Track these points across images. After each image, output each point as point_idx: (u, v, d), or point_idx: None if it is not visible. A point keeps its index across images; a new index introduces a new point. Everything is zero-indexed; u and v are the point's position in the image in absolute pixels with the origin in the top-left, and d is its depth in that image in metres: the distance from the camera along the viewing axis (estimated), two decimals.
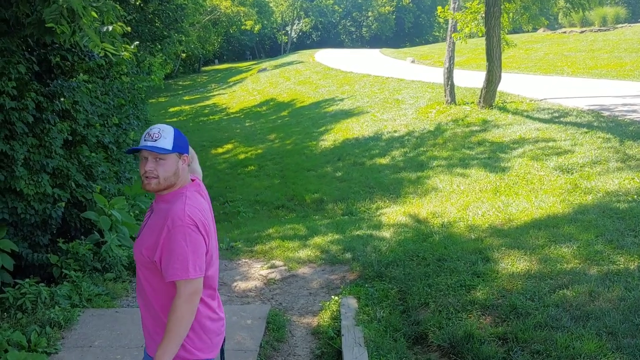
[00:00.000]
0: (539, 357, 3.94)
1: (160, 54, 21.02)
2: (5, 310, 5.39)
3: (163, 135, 2.47)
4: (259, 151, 17.17)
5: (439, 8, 16.52)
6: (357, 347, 4.41)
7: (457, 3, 16.30)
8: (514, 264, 5.57)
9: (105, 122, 8.11)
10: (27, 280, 5.74)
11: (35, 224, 6.40)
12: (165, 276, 2.41)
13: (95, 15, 5.10)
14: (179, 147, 2.52)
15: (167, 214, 2.44)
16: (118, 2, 8.74)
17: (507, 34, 16.90)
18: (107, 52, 5.49)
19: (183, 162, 2.56)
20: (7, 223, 6.05)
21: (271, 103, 26.82)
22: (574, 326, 4.19)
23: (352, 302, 5.51)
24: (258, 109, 26.34)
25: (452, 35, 16.10)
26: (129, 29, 7.57)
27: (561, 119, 12.53)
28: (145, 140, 2.47)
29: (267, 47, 74.65)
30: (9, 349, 4.48)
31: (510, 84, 17.47)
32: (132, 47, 8.20)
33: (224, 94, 34.87)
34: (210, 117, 26.81)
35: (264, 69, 41.66)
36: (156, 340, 2.51)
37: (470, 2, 15.84)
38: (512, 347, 4.11)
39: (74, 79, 6.97)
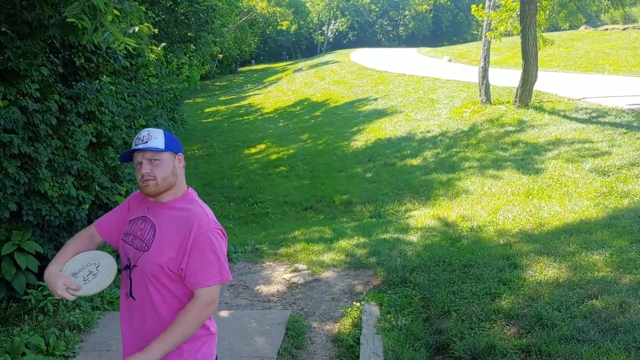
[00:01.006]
0: None
1: (195, 55, 21.15)
2: (27, 312, 5.43)
3: (153, 136, 2.41)
4: (291, 151, 17.13)
5: (473, 7, 16.21)
6: (375, 358, 4.28)
7: (492, 1, 15.98)
8: (542, 271, 5.36)
9: (132, 123, 8.15)
10: None
11: (61, 225, 6.44)
12: (193, 283, 2.35)
13: (117, 13, 5.09)
14: (172, 147, 2.46)
15: (188, 221, 2.38)
16: (147, 4, 8.80)
17: (547, 31, 16.50)
18: (131, 52, 5.49)
19: (179, 161, 2.49)
20: (33, 225, 6.10)
21: (305, 103, 26.81)
22: (601, 340, 3.97)
23: (374, 309, 5.38)
24: (292, 109, 26.36)
25: (487, 33, 15.79)
26: (155, 30, 7.57)
27: (599, 119, 12.14)
28: (135, 145, 2.40)
29: (304, 47, 74.86)
30: (27, 352, 4.48)
31: (548, 82, 17.05)
32: (159, 48, 8.20)
33: (259, 94, 35.04)
34: (245, 117, 26.94)
35: (300, 69, 41.73)
36: None
37: (505, 0, 15.49)
38: None
39: (98, 80, 7.00)
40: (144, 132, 2.44)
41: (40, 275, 6.08)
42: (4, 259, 5.66)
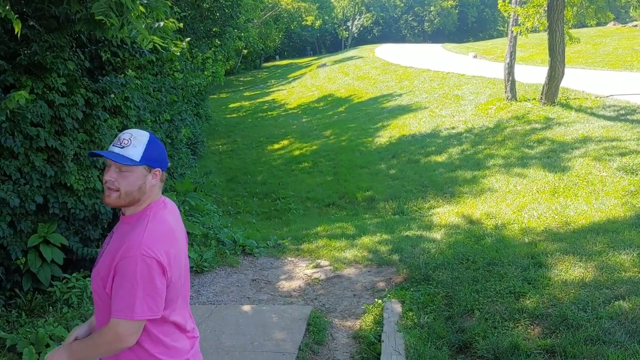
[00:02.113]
0: None
1: (220, 50, 21.23)
2: (51, 304, 5.49)
3: (133, 142, 2.15)
4: (314, 147, 17.13)
5: (500, 2, 16.00)
6: (396, 355, 4.25)
7: None
8: (567, 270, 5.27)
9: (157, 118, 8.19)
10: (74, 274, 5.83)
11: (86, 218, 6.50)
12: (111, 311, 2.07)
13: (144, 10, 5.11)
14: (150, 160, 2.17)
15: (122, 240, 2.11)
16: (173, 0, 8.84)
17: (575, 28, 16.22)
18: (156, 46, 5.51)
19: (153, 177, 2.21)
20: (59, 217, 6.17)
21: (329, 99, 26.77)
22: (628, 341, 3.89)
23: (396, 306, 5.35)
24: (315, 104, 26.33)
25: (513, 28, 15.58)
26: (180, 24, 7.60)
27: (628, 117, 11.93)
28: (113, 146, 2.16)
29: (328, 42, 74.76)
30: (51, 343, 4.54)
31: (575, 79, 16.79)
32: (184, 43, 8.23)
33: (283, 89, 35.08)
34: (269, 112, 27.00)
35: (324, 65, 41.67)
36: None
37: None
38: None
39: (124, 75, 7.04)
40: (126, 135, 2.18)
41: (65, 268, 6.16)
42: (29, 251, 5.74)
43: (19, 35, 4.41)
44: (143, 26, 5.12)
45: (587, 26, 30.94)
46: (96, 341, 2.12)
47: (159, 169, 2.22)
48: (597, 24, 21.77)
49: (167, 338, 2.23)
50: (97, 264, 2.21)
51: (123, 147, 2.13)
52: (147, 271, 2.04)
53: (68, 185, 6.07)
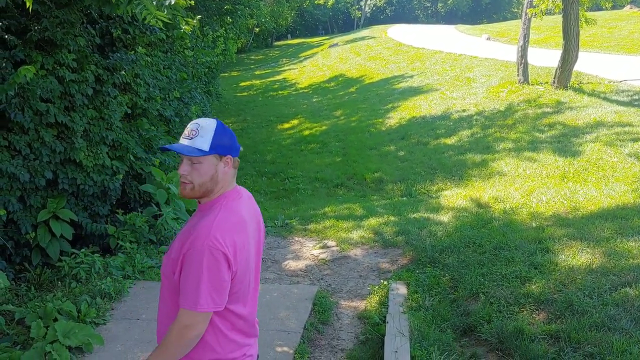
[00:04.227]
0: None
1: (231, 28, 21.10)
2: (60, 278, 5.55)
3: (201, 132, 2.12)
4: (324, 127, 17.09)
5: None
6: (400, 337, 4.27)
7: None
8: (575, 256, 5.26)
9: (167, 95, 8.19)
10: (82, 250, 5.88)
11: (95, 194, 6.54)
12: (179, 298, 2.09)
13: None
14: (219, 148, 2.13)
15: (193, 228, 2.11)
16: None
17: (590, 10, 15.96)
18: (164, 23, 5.47)
19: (225, 164, 2.18)
20: (68, 193, 6.21)
21: (340, 79, 26.65)
22: (633, 328, 3.90)
23: (402, 287, 5.37)
24: (326, 84, 26.23)
25: (527, 10, 15.37)
26: (192, 1, 7.56)
27: None
28: (182, 138, 2.15)
29: (340, 22, 74.10)
30: (59, 317, 4.59)
31: (589, 63, 16.58)
32: (195, 21, 8.20)
33: (294, 69, 34.94)
34: (279, 92, 26.93)
35: (335, 44, 41.40)
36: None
37: None
38: (564, 347, 3.86)
39: (134, 52, 7.03)
40: (193, 125, 2.15)
41: (74, 243, 6.22)
42: (39, 226, 5.79)
43: (30, 10, 4.41)
44: (154, 2, 5.09)
45: (603, 9, 30.50)
46: (166, 340, 2.09)
47: (230, 156, 2.18)
48: (613, 7, 21.42)
49: (230, 332, 2.21)
50: (170, 247, 2.22)
51: (191, 139, 2.11)
52: (213, 263, 2.01)
53: (77, 161, 6.11)
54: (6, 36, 5.53)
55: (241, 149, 2.23)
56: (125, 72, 6.80)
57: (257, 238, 2.32)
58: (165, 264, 2.21)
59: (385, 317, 4.77)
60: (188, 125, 2.16)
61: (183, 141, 2.13)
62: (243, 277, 2.18)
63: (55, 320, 4.52)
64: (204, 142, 2.10)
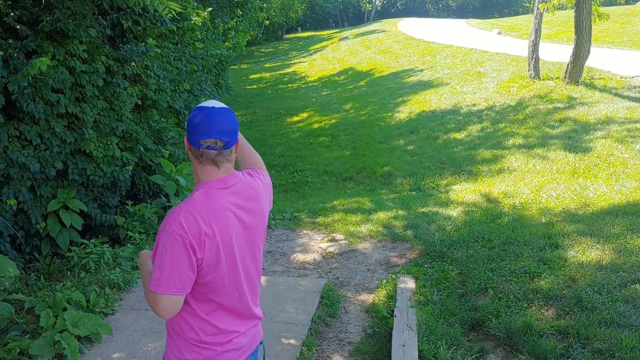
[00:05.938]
0: (600, 356, 3.67)
1: (241, 20, 21.07)
2: (69, 268, 5.58)
3: None
4: (333, 121, 17.05)
5: None
6: (408, 331, 4.27)
7: None
8: (584, 252, 5.24)
9: (177, 87, 8.20)
10: (92, 240, 5.92)
11: (105, 185, 6.58)
12: None
13: None
14: (188, 136, 2.09)
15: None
16: None
17: (603, 5, 15.82)
18: (175, 15, 5.48)
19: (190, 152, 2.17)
20: (78, 184, 6.24)
21: (350, 72, 26.58)
22: None
23: (410, 281, 5.36)
24: (336, 78, 26.16)
25: (539, 4, 15.25)
26: None
27: None
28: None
29: (351, 15, 73.89)
30: (68, 307, 4.62)
31: (601, 59, 16.45)
32: (205, 13, 8.19)
33: (304, 62, 34.88)
34: (289, 85, 26.88)
35: (346, 38, 41.27)
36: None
37: None
38: (572, 343, 3.85)
39: (144, 43, 7.04)
40: None
41: (83, 234, 6.26)
42: (49, 216, 5.83)
43: (42, 0, 4.42)
44: None
45: (616, 4, 30.25)
46: (144, 276, 2.14)
47: (191, 145, 2.08)
48: (626, 2, 21.22)
49: (207, 316, 2.18)
50: None
51: None
52: (176, 247, 1.98)
53: (87, 151, 6.14)
54: (18, 26, 5.55)
55: (208, 137, 2.04)
56: (135, 63, 6.82)
57: (249, 228, 2.22)
58: None
59: (393, 310, 4.76)
60: None
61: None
62: (216, 266, 2.09)
63: (65, 309, 4.56)
64: None
